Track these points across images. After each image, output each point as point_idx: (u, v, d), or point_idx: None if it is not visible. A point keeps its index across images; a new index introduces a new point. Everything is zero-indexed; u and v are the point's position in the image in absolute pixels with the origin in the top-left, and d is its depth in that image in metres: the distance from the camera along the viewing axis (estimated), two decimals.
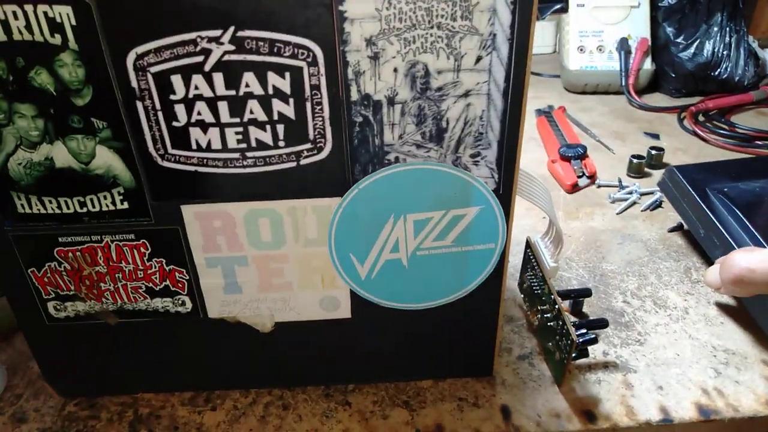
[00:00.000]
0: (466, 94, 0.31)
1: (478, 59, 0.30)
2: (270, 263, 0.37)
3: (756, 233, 0.47)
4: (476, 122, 0.32)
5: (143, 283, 0.37)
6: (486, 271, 0.38)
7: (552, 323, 0.42)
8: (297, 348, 0.41)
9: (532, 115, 0.88)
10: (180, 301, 0.38)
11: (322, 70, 0.30)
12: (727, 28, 0.88)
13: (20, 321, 0.39)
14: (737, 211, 0.49)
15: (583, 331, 0.42)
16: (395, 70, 0.30)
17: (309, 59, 0.30)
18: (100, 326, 0.39)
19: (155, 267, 0.37)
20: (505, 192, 0.35)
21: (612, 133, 0.82)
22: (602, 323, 0.44)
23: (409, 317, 0.39)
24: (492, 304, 0.39)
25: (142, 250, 0.36)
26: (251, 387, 0.43)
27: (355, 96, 0.31)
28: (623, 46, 0.92)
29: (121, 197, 0.34)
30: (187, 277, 0.37)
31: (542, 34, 1.12)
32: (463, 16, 0.29)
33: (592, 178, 0.69)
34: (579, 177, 0.68)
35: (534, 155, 0.77)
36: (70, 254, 0.36)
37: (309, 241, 0.36)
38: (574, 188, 0.68)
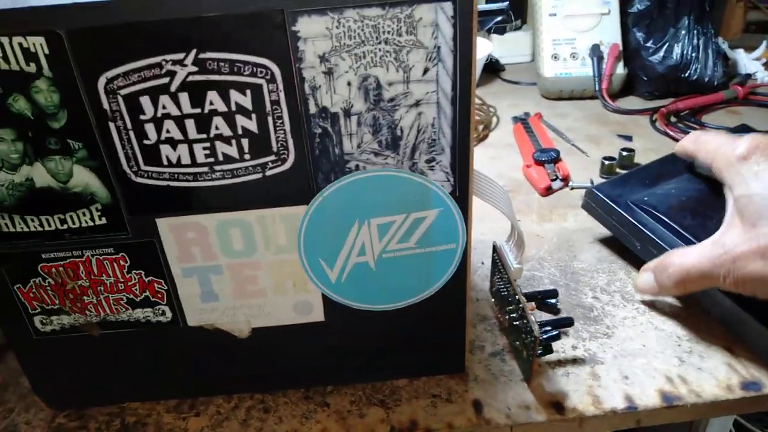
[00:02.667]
0: (417, 104, 0.33)
1: (426, 71, 0.32)
2: (243, 271, 0.38)
3: (685, 233, 0.49)
4: (429, 129, 0.34)
5: (124, 295, 0.39)
6: (450, 270, 0.40)
7: (517, 322, 0.43)
8: (275, 352, 0.43)
9: (509, 123, 0.91)
10: (160, 311, 0.40)
11: (281, 86, 0.32)
12: (695, 31, 0.91)
13: (8, 336, 0.41)
14: (662, 217, 0.51)
15: (548, 328, 0.44)
16: (349, 83, 0.32)
17: (268, 77, 0.32)
18: (86, 339, 0.41)
19: (135, 279, 0.38)
20: (461, 194, 0.37)
21: (587, 137, 0.85)
22: (568, 321, 0.46)
23: (381, 318, 0.41)
24: (458, 302, 0.41)
25: (122, 262, 0.38)
26: (234, 392, 0.45)
27: (313, 109, 0.33)
28: (595, 52, 0.94)
29: (99, 213, 0.36)
30: (166, 288, 0.39)
31: (518, 45, 1.15)
32: (408, 31, 0.31)
33: (566, 180, 0.71)
34: (552, 180, 0.70)
35: (510, 161, 0.80)
36: (54, 269, 0.38)
37: (279, 248, 0.38)
38: (548, 191, 0.70)
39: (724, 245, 0.42)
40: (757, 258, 0.40)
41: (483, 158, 0.81)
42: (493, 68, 1.12)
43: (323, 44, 0.31)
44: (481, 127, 0.88)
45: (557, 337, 0.43)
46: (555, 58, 0.96)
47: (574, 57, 0.96)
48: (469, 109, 0.34)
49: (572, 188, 0.71)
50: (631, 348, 0.47)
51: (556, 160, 0.73)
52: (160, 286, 0.39)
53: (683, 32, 0.91)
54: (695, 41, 0.91)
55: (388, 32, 0.31)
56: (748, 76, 0.97)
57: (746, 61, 0.99)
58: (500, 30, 1.08)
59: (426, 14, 0.31)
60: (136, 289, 0.39)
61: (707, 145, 0.49)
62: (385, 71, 0.32)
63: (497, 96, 1.02)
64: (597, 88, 0.93)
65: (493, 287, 0.50)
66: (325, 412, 0.43)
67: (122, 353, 0.42)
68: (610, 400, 0.42)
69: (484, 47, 1.05)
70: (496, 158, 0.81)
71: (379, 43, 0.31)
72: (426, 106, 0.33)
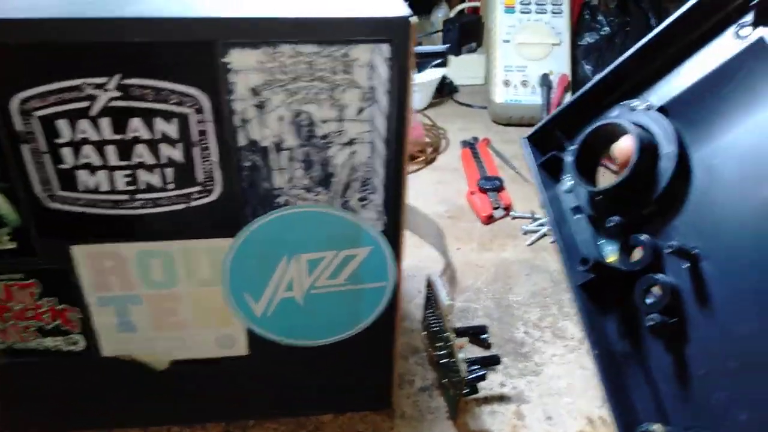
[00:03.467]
0: (351, 142, 0.33)
1: (360, 110, 0.32)
2: (163, 302, 0.37)
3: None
4: (362, 168, 0.34)
5: (34, 322, 0.37)
6: (379, 308, 0.39)
7: (446, 360, 0.43)
8: (195, 385, 0.41)
9: (458, 146, 0.91)
10: (72, 341, 0.38)
11: (209, 117, 0.31)
12: None
13: None
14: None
15: (476, 367, 0.44)
16: (281, 118, 0.31)
17: (196, 107, 0.31)
18: None
19: (46, 306, 0.36)
20: (393, 233, 0.36)
21: None
22: (494, 360, 0.46)
23: (307, 353, 0.40)
24: (386, 339, 0.41)
25: (33, 289, 0.36)
26: (151, 425, 0.43)
27: (243, 142, 0.32)
28: (545, 81, 0.96)
29: (9, 237, 0.34)
30: (80, 316, 0.37)
31: (473, 67, 1.16)
32: (344, 70, 0.31)
33: (508, 209, 0.72)
34: (495, 209, 0.71)
35: (457, 186, 0.80)
36: None
37: (202, 281, 0.36)
38: (490, 219, 0.70)
39: None
40: None
41: (430, 182, 0.81)
42: (447, 89, 1.13)
43: (256, 77, 0.30)
44: (429, 150, 0.88)
45: (483, 378, 0.43)
46: (506, 84, 0.98)
47: (524, 84, 0.98)
48: (403, 150, 0.33)
49: (513, 218, 0.71)
50: (558, 386, 0.47)
51: (499, 188, 0.74)
52: (73, 314, 0.37)
53: None
54: None
55: (323, 70, 0.30)
56: None
57: None
58: (450, 50, 1.09)
59: (362, 54, 0.30)
60: (47, 317, 0.37)
61: None
62: (319, 108, 0.31)
63: (449, 118, 1.02)
64: (545, 117, 0.95)
65: (425, 321, 0.49)
66: None
67: (30, 382, 0.39)
68: None
69: (438, 68, 1.06)
70: (443, 182, 0.81)
71: (314, 80, 0.31)
72: (360, 145, 0.33)
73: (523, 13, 0.99)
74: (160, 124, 0.31)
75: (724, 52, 0.35)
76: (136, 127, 0.31)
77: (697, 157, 0.35)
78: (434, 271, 0.48)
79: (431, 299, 0.47)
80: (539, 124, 0.47)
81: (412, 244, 0.64)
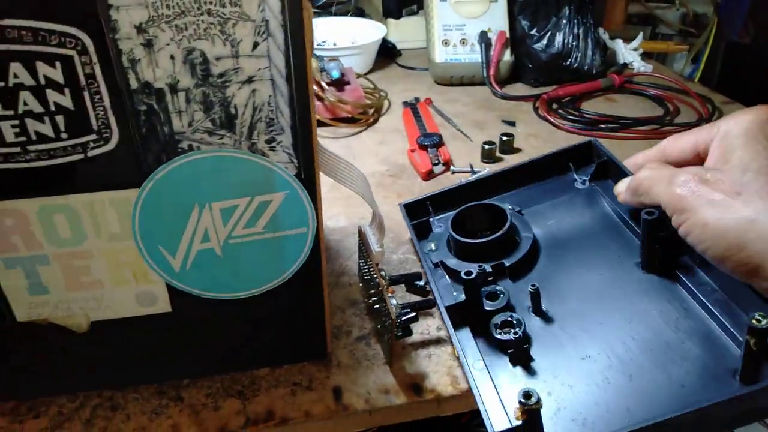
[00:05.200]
0: (250, 80, 0.32)
1: (255, 45, 0.31)
2: (74, 261, 0.36)
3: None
4: (265, 108, 0.33)
5: None
6: (302, 255, 0.39)
7: (378, 305, 0.43)
8: (120, 346, 0.40)
9: (400, 107, 0.91)
10: None
11: (95, 58, 0.30)
12: (575, 21, 0.94)
13: None
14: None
15: (407, 310, 0.44)
16: (172, 57, 0.30)
17: (78, 48, 0.29)
18: None
19: None
20: (307, 176, 0.36)
21: (472, 122, 0.86)
22: (428, 303, 0.46)
23: (233, 307, 0.40)
24: (314, 287, 0.40)
25: None
26: (78, 391, 0.42)
27: (134, 84, 0.31)
28: (483, 38, 0.96)
29: None
30: None
31: (415, 30, 1.15)
32: (233, 2, 0.29)
33: (447, 165, 0.72)
34: (434, 165, 0.71)
35: (398, 145, 0.79)
36: None
37: (113, 236, 0.35)
38: (430, 175, 0.70)
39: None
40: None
41: (371, 143, 0.81)
42: (390, 53, 1.12)
43: (139, 13, 0.29)
44: (371, 111, 0.87)
45: (415, 319, 0.43)
46: (445, 44, 0.97)
47: (463, 43, 0.97)
48: (307, 88, 0.33)
49: (453, 172, 0.71)
50: None
51: (438, 144, 0.74)
52: None
53: (564, 22, 0.95)
54: (575, 30, 0.95)
55: (211, 3, 0.29)
56: (625, 65, 1.02)
57: (624, 51, 1.04)
58: (390, 14, 1.08)
59: None
60: None
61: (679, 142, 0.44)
62: (212, 44, 0.30)
63: (391, 81, 1.01)
64: (485, 75, 0.95)
65: (360, 271, 0.49)
66: (178, 407, 0.41)
67: None
68: None
69: (378, 31, 1.05)
70: (384, 143, 0.81)
71: (202, 14, 0.29)
72: (259, 83, 0.32)
73: None
74: (43, 68, 0.29)
75: (565, 188, 0.55)
76: (17, 72, 0.29)
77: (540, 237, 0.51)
78: (365, 222, 0.48)
79: (362, 249, 0.47)
80: (415, 198, 0.58)
81: (353, 203, 0.64)
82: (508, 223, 0.49)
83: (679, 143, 0.43)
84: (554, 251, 0.49)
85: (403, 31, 1.15)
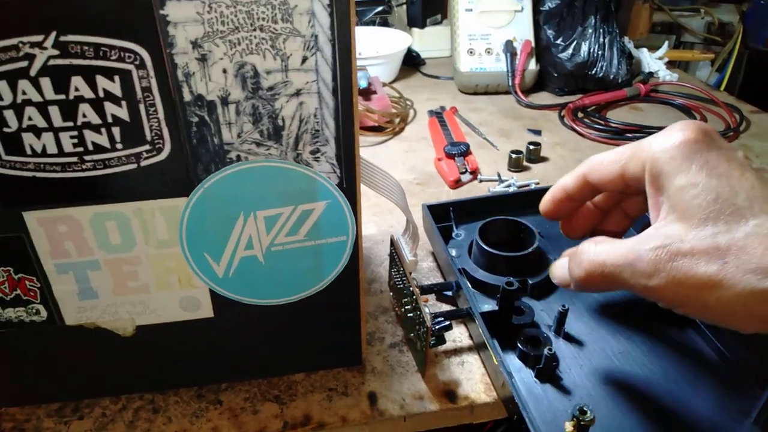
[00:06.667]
0: (298, 93, 0.33)
1: (304, 59, 0.32)
2: (123, 266, 0.37)
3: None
4: (311, 120, 0.34)
5: None
6: (341, 263, 0.39)
7: (411, 314, 0.44)
8: (163, 350, 0.41)
9: (425, 116, 0.91)
10: (34, 310, 0.38)
11: (152, 72, 0.31)
12: (601, 30, 0.95)
13: None
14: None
15: (441, 319, 0.44)
16: (224, 71, 0.31)
17: (137, 62, 0.30)
18: None
19: (3, 276, 0.36)
20: (348, 186, 0.37)
21: (498, 131, 0.86)
22: (461, 313, 0.46)
23: (273, 313, 0.40)
24: (352, 294, 0.41)
25: None
26: (120, 393, 0.43)
27: (188, 97, 0.32)
28: (509, 48, 0.96)
29: None
30: (39, 285, 0.37)
31: (439, 39, 1.16)
32: (284, 18, 0.31)
33: (474, 173, 0.72)
34: (462, 173, 0.71)
35: (424, 153, 0.80)
36: None
37: (160, 243, 0.36)
38: (457, 183, 0.71)
39: (664, 238, 0.33)
40: (712, 259, 0.31)
41: (398, 151, 0.82)
42: (414, 62, 1.13)
43: (195, 29, 0.30)
44: (397, 120, 0.88)
45: (449, 328, 0.44)
46: (471, 53, 0.98)
47: (489, 52, 0.98)
48: (352, 100, 0.34)
49: (480, 181, 0.72)
50: None
51: (466, 153, 0.74)
52: (32, 283, 0.37)
53: (590, 31, 0.95)
54: (601, 40, 0.95)
55: (263, 19, 0.30)
56: (651, 74, 1.02)
57: (649, 60, 1.04)
58: (415, 23, 1.09)
59: (301, 2, 0.30)
60: (5, 288, 0.36)
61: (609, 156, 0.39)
62: (262, 59, 0.31)
63: (416, 90, 1.02)
64: (510, 84, 0.96)
65: (391, 280, 0.50)
66: (217, 410, 0.42)
67: None
68: None
69: (404, 40, 1.06)
70: (410, 151, 0.81)
71: (254, 30, 0.31)
72: (307, 95, 0.33)
73: None
74: (103, 82, 0.31)
75: None
76: (78, 85, 0.31)
77: None
78: (398, 230, 0.49)
79: (395, 257, 0.48)
80: (441, 201, 0.58)
81: (381, 211, 0.65)
82: (536, 242, 0.50)
83: (603, 172, 0.39)
84: None
85: (427, 41, 1.16)
